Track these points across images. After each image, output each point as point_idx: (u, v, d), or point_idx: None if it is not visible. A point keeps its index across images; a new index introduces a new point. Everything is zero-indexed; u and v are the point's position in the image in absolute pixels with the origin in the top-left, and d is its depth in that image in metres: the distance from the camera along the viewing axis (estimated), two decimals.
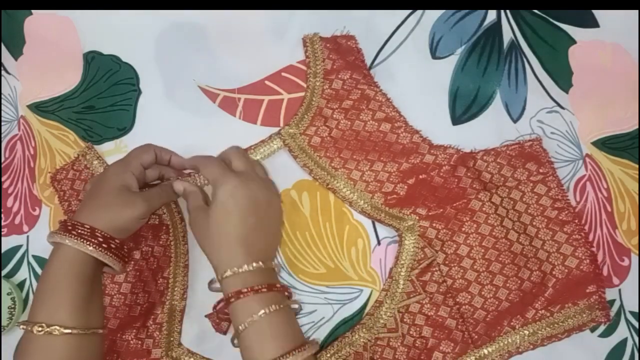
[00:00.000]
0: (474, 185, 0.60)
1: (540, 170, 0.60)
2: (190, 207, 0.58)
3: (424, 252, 0.60)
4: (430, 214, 0.60)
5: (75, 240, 0.52)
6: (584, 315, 0.58)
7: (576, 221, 0.60)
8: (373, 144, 0.62)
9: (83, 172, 0.65)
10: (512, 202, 0.60)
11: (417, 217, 0.60)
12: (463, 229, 0.60)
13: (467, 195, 0.60)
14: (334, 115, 0.62)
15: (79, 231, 0.52)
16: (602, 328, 0.60)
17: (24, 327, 0.50)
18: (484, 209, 0.60)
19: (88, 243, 0.52)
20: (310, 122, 0.63)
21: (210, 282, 0.61)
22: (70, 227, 0.53)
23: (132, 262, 0.62)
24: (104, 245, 0.53)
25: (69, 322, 0.50)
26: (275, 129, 0.64)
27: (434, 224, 0.60)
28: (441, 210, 0.60)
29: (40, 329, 0.49)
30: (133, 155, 0.59)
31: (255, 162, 0.61)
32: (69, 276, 0.52)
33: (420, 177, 0.61)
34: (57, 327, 0.50)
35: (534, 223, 0.60)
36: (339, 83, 0.63)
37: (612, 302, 0.60)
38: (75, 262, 0.52)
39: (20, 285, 0.65)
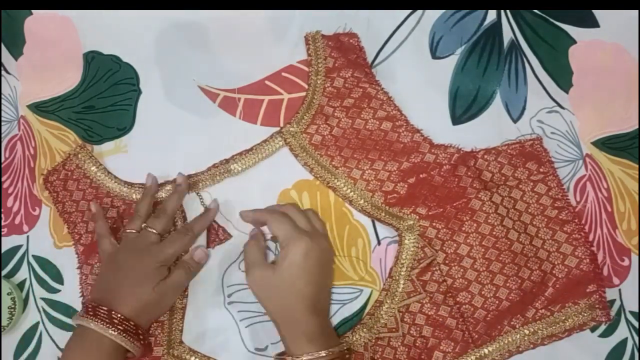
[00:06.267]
0: (474, 185, 0.60)
1: (541, 170, 0.60)
2: (249, 262, 0.58)
3: (424, 251, 0.60)
4: (430, 213, 0.60)
5: (122, 337, 0.53)
6: (585, 315, 0.58)
7: (576, 221, 0.60)
8: (374, 143, 0.62)
9: (75, 172, 0.65)
10: (512, 202, 0.60)
11: (417, 217, 0.60)
12: (463, 229, 0.60)
13: (468, 194, 0.60)
14: (335, 114, 0.63)
15: (126, 326, 0.54)
16: (602, 328, 0.60)
17: None
18: (484, 208, 0.60)
19: (131, 339, 0.54)
20: (311, 120, 0.63)
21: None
22: (117, 322, 0.54)
23: None
24: (142, 340, 0.56)
25: None
26: (275, 129, 0.64)
27: (434, 224, 0.60)
28: (441, 209, 0.60)
29: None
30: (174, 250, 0.59)
31: (314, 216, 0.61)
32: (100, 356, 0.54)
33: (421, 176, 0.61)
34: None
35: (534, 222, 0.60)
36: (340, 81, 0.63)
37: (612, 302, 0.60)
38: (116, 351, 0.54)
39: (20, 285, 0.65)
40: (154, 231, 0.59)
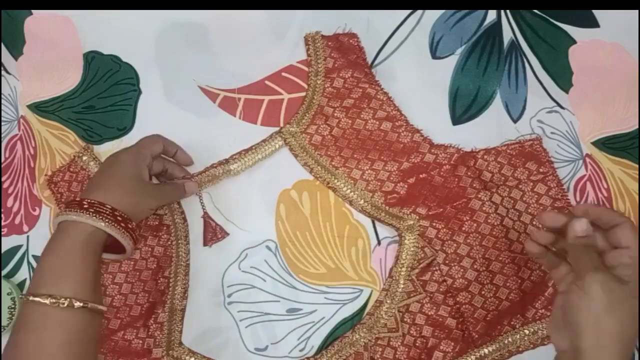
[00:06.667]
0: (474, 185, 0.60)
1: (541, 170, 0.60)
2: (584, 266, 0.46)
3: (424, 251, 0.60)
4: (430, 213, 0.60)
5: (94, 218, 0.51)
6: None
7: None
8: (374, 143, 0.62)
9: (80, 174, 0.65)
10: (512, 202, 0.60)
11: (417, 217, 0.60)
12: (463, 229, 0.60)
13: (467, 194, 0.60)
14: (335, 114, 0.63)
15: (97, 209, 0.52)
16: None
17: (37, 298, 0.48)
18: (484, 208, 0.60)
19: (110, 222, 0.52)
20: (311, 120, 0.63)
21: None
22: (86, 206, 0.52)
23: (132, 262, 0.62)
24: (122, 224, 0.53)
25: (87, 297, 0.50)
26: (275, 129, 0.64)
27: (434, 224, 0.60)
28: (441, 209, 0.60)
29: (54, 300, 0.48)
30: (144, 145, 0.59)
31: None
32: (88, 253, 0.52)
33: (421, 176, 0.61)
34: (75, 300, 0.49)
35: (534, 222, 0.60)
36: (340, 82, 0.63)
37: None
38: (93, 239, 0.52)
39: (20, 285, 0.65)
40: None
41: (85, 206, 0.52)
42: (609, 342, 0.44)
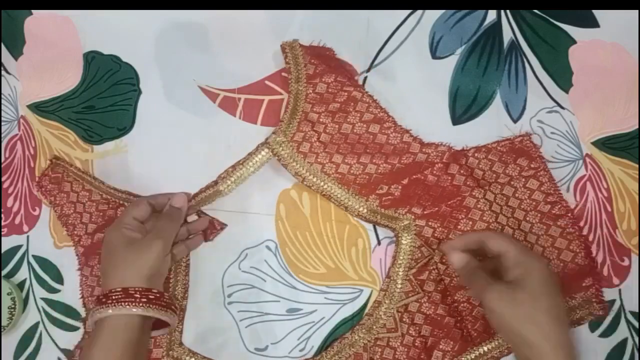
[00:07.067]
0: (468, 183, 0.60)
1: (532, 166, 0.60)
2: (481, 284, 0.52)
3: (420, 251, 0.60)
4: (425, 212, 0.60)
5: (118, 307, 0.50)
6: (582, 310, 0.58)
7: (569, 214, 0.59)
8: (364, 146, 0.61)
9: (64, 174, 0.65)
10: (505, 199, 0.60)
11: (413, 217, 0.60)
12: (459, 227, 0.60)
13: (462, 192, 0.60)
14: (321, 119, 0.61)
15: (115, 297, 0.51)
16: (602, 328, 0.60)
17: None
18: (478, 205, 0.60)
19: (128, 304, 0.51)
20: (297, 128, 0.62)
21: None
22: (103, 299, 0.51)
23: None
24: (143, 300, 0.51)
25: None
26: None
27: (430, 223, 0.60)
28: (436, 208, 0.60)
29: None
30: (125, 213, 0.58)
31: None
32: (131, 342, 0.51)
33: (414, 176, 0.60)
34: None
35: (528, 218, 0.59)
36: (323, 86, 0.62)
37: (612, 302, 0.60)
38: (124, 328, 0.51)
39: (20, 285, 0.65)
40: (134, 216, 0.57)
41: (103, 299, 0.51)
42: (535, 343, 0.48)
